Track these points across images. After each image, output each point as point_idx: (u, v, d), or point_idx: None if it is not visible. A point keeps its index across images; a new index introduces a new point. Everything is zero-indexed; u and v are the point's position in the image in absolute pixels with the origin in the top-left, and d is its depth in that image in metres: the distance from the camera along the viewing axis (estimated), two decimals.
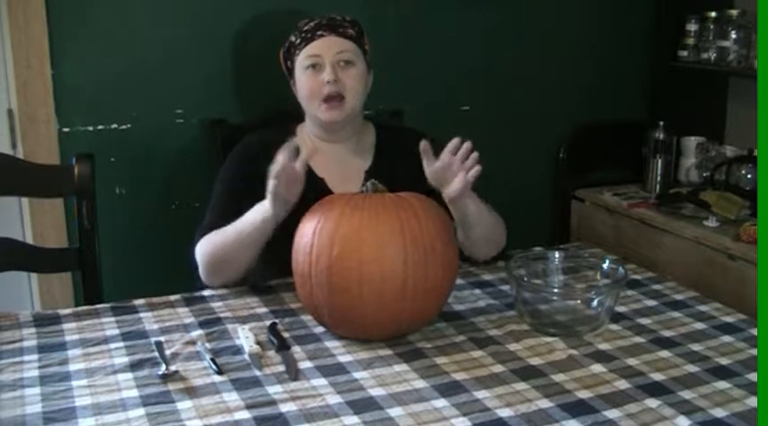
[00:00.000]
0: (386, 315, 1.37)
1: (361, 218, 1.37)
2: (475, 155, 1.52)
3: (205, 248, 1.64)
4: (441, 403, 1.22)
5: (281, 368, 1.32)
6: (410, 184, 1.51)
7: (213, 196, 1.76)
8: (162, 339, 1.41)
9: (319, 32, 1.74)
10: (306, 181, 1.54)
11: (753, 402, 1.22)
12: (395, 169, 1.70)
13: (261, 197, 1.63)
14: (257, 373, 1.31)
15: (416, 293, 1.36)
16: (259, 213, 1.56)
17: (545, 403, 1.22)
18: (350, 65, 1.74)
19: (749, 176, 2.46)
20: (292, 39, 1.78)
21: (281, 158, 1.48)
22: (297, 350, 1.39)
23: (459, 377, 1.30)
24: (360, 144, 1.83)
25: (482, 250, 1.73)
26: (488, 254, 1.75)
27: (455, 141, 1.53)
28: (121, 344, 1.40)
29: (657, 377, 1.30)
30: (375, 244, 1.35)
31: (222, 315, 1.53)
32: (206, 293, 1.64)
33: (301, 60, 1.75)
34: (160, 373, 1.28)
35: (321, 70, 1.72)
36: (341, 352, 1.38)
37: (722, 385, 1.28)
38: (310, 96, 1.74)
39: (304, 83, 1.75)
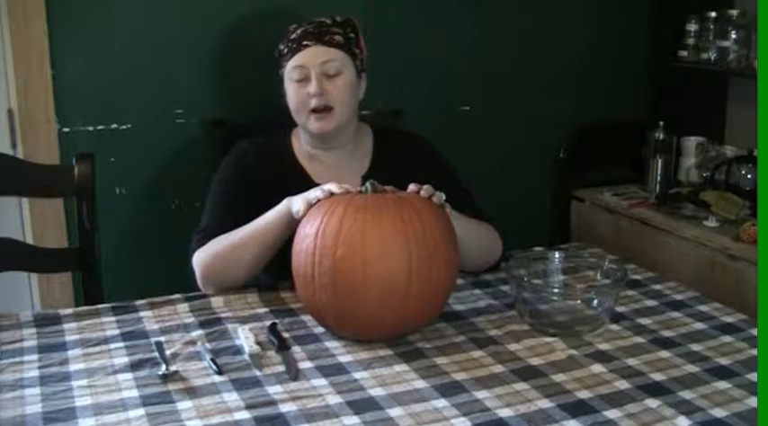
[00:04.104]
0: (390, 316, 1.37)
1: (365, 219, 1.36)
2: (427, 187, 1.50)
3: (215, 247, 1.61)
4: (441, 403, 1.22)
5: (281, 368, 1.32)
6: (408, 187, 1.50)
7: (209, 199, 1.74)
8: (162, 339, 1.41)
9: (305, 42, 1.72)
10: (302, 187, 1.54)
11: (753, 402, 1.22)
12: (392, 173, 1.66)
13: (256, 202, 1.63)
14: (257, 373, 1.31)
15: (420, 292, 1.36)
16: (282, 215, 1.56)
17: (545, 403, 1.22)
18: (336, 75, 1.72)
19: (749, 176, 2.46)
20: (281, 47, 1.77)
21: (334, 188, 1.48)
22: (297, 350, 1.39)
23: (459, 377, 1.30)
24: (357, 148, 1.82)
25: (474, 262, 1.70)
26: (482, 267, 1.73)
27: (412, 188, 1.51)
28: (122, 344, 1.40)
29: (657, 377, 1.30)
30: (379, 245, 1.34)
31: (222, 315, 1.53)
32: (206, 293, 1.64)
33: (288, 72, 1.74)
34: (160, 373, 1.28)
35: (307, 83, 1.71)
36: (341, 352, 1.38)
37: (722, 385, 1.28)
38: (298, 109, 1.74)
39: (291, 96, 1.74)
